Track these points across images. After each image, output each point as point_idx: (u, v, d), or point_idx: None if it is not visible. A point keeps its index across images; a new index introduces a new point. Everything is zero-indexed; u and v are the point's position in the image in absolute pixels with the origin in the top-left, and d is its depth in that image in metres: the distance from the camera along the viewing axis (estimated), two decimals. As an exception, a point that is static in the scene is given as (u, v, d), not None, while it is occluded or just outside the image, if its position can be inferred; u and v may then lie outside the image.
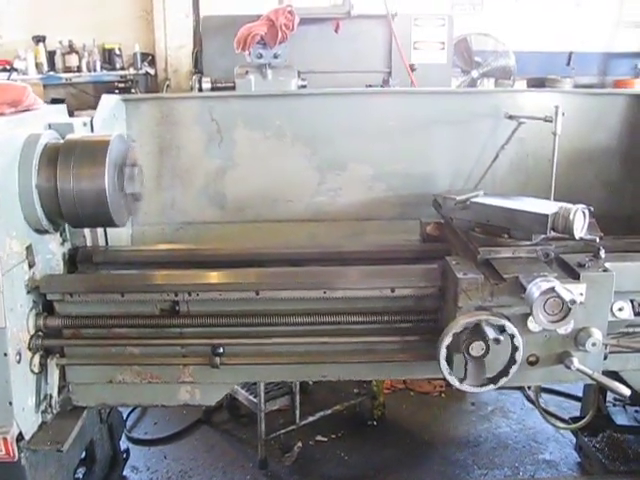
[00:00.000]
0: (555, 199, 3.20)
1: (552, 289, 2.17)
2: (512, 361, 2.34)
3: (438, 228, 3.18)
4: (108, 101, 3.28)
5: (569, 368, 2.41)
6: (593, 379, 2.43)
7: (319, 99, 3.65)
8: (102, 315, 2.65)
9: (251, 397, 3.87)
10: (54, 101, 7.82)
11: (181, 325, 2.65)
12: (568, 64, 9.84)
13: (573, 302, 2.14)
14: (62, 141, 2.62)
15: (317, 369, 2.73)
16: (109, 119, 3.26)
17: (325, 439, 4.16)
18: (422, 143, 3.59)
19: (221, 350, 2.55)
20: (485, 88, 6.68)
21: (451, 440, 4.15)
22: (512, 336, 2.29)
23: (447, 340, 2.30)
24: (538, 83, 8.58)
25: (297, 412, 3.96)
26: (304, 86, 5.15)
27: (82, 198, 2.51)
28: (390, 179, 3.58)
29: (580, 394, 4.06)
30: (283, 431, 3.99)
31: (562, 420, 3.81)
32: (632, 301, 2.64)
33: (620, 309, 2.57)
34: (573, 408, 4.25)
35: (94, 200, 2.52)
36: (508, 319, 2.33)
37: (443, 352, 2.32)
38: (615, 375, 2.74)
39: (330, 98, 3.65)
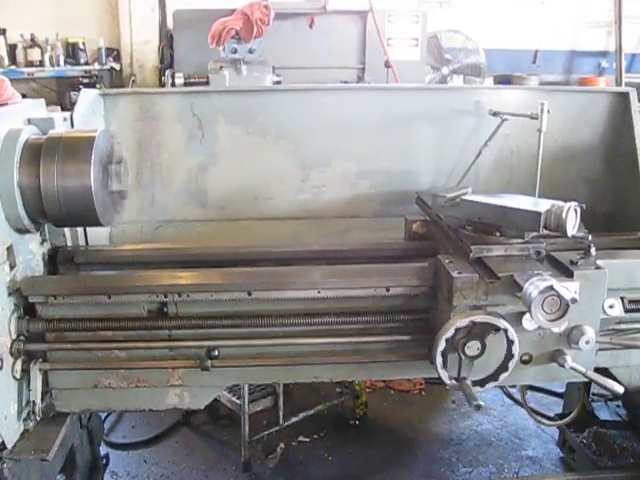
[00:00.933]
0: (539, 196, 3.21)
1: (551, 287, 2.16)
2: (504, 368, 2.34)
3: (424, 226, 3.15)
4: (87, 96, 3.18)
5: (563, 366, 2.42)
6: (587, 377, 2.43)
7: (300, 95, 3.60)
8: (87, 318, 2.56)
9: (234, 399, 3.80)
10: (16, 96, 7.60)
11: (170, 327, 2.57)
12: (534, 62, 9.94)
13: (574, 301, 2.13)
14: (43, 137, 2.52)
15: (309, 370, 2.68)
16: (88, 114, 3.16)
17: (308, 439, 4.12)
18: (404, 140, 3.57)
19: (216, 353, 2.48)
20: (469, 85, 6.69)
21: (434, 438, 4.15)
22: (511, 342, 2.29)
23: (443, 340, 2.27)
24: (504, 80, 8.64)
25: (281, 413, 3.90)
26: (279, 82, 5.11)
27: (67, 197, 2.41)
28: (373, 176, 3.56)
29: (560, 390, 4.08)
30: (266, 432, 3.93)
31: (545, 417, 3.82)
32: (622, 298, 2.66)
33: (611, 306, 2.59)
34: (553, 404, 4.28)
35: (79, 199, 2.42)
36: (503, 317, 2.31)
37: (441, 346, 2.29)
38: (605, 372, 2.76)
39: (310, 94, 3.61)
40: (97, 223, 2.55)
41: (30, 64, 7.92)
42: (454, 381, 2.34)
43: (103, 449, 3.70)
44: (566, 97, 3.64)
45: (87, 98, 3.16)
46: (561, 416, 3.69)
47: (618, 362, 2.75)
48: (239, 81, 4.98)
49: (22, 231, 2.50)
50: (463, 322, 2.25)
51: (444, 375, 2.32)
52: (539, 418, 3.59)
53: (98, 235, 3.26)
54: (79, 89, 6.99)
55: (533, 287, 2.17)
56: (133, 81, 7.97)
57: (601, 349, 2.59)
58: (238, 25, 4.83)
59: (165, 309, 2.58)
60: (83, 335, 2.57)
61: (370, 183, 3.57)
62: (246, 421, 3.72)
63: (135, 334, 2.58)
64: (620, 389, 2.39)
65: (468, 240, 2.57)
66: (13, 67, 7.89)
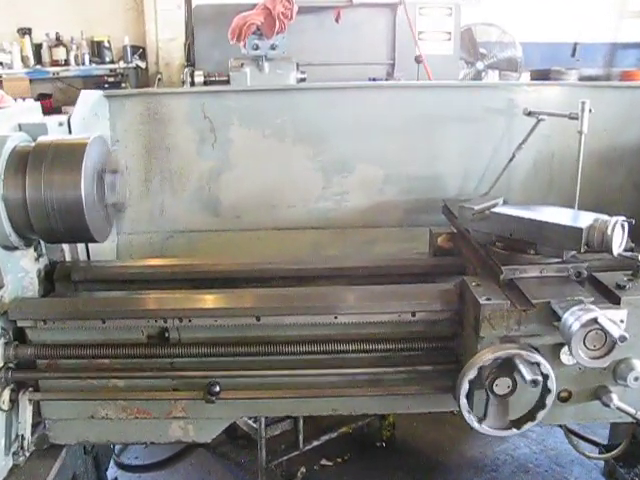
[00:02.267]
0: (582, 203, 2.92)
1: (594, 320, 1.87)
2: (541, 405, 2.06)
3: (450, 239, 2.86)
4: (88, 97, 2.97)
5: (607, 406, 2.12)
6: (636, 419, 2.13)
7: (323, 94, 3.35)
8: (81, 344, 2.34)
9: (250, 422, 3.56)
10: (41, 96, 7.53)
11: (171, 355, 2.34)
12: (573, 55, 9.62)
13: (623, 339, 1.83)
14: (33, 144, 2.30)
15: (326, 403, 2.43)
16: (90, 118, 2.95)
17: (331, 463, 3.85)
18: (432, 142, 3.31)
19: (217, 389, 2.23)
20: (500, 81, 6.37)
21: (467, 463, 3.85)
22: (546, 377, 2.00)
23: (469, 375, 2.00)
24: (542, 75, 8.29)
25: (300, 437, 3.65)
26: (303, 79, 4.89)
27: (56, 210, 2.19)
28: (400, 182, 3.31)
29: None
30: (285, 458, 3.68)
31: (590, 441, 3.49)
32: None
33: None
34: (599, 426, 3.94)
35: (69, 212, 2.20)
36: (538, 351, 2.04)
37: (464, 388, 2.01)
38: None
39: (334, 93, 3.34)
40: (90, 239, 2.34)
41: (55, 63, 7.88)
42: (484, 425, 2.06)
43: (113, 471, 3.51)
44: (611, 93, 3.32)
45: (87, 101, 2.94)
46: (608, 447, 3.36)
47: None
48: (261, 79, 4.77)
49: (10, 248, 2.29)
50: (489, 358, 1.97)
51: (471, 420, 2.04)
52: (582, 449, 3.27)
53: (103, 248, 3.04)
54: (105, 88, 6.88)
55: (574, 318, 1.89)
56: (159, 79, 7.82)
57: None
58: (259, 20, 4.61)
59: (166, 335, 2.35)
60: (77, 363, 2.37)
61: (397, 189, 3.31)
62: (263, 446, 3.47)
63: (134, 362, 2.36)
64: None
65: (498, 259, 2.29)
66: (38, 67, 7.82)
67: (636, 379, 2.04)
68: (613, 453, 3.18)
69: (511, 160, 3.18)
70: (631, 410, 2.11)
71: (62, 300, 2.45)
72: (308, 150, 3.29)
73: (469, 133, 3.28)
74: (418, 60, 5.42)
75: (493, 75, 6.99)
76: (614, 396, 2.11)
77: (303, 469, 3.75)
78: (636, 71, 9.78)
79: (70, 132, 2.73)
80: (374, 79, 5.29)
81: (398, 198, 3.29)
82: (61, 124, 2.69)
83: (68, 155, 2.23)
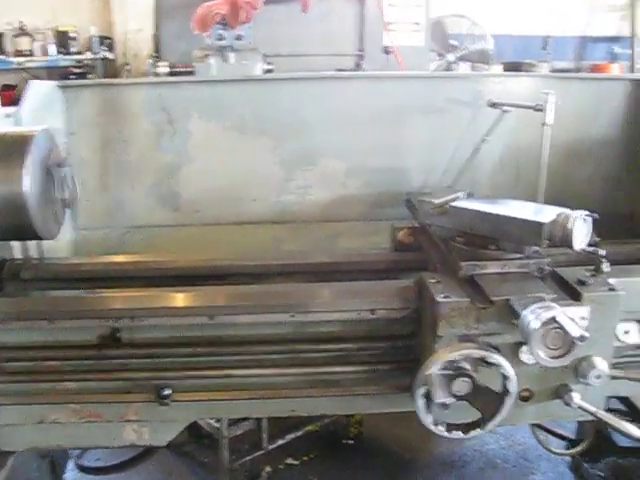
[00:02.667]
0: (549, 196, 2.87)
1: (553, 319, 1.81)
2: (506, 393, 1.98)
3: (411, 234, 2.80)
4: (38, 88, 2.86)
5: (569, 405, 2.07)
6: (598, 418, 2.08)
7: (286, 85, 3.26)
8: (29, 345, 2.23)
9: (212, 421, 3.48)
10: (5, 87, 7.36)
11: (123, 356, 2.24)
12: (544, 48, 9.68)
13: (583, 338, 1.78)
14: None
15: (284, 403, 2.34)
16: (41, 110, 2.84)
17: (297, 462, 3.79)
18: (396, 134, 3.23)
19: (167, 392, 2.15)
20: (468, 72, 6.32)
21: (435, 460, 3.81)
22: (506, 378, 1.95)
23: (424, 380, 1.92)
24: (514, 67, 8.28)
25: (265, 435, 3.58)
26: (270, 70, 4.81)
27: (-4, 206, 2.09)
28: (364, 175, 3.23)
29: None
30: (249, 457, 3.61)
31: (557, 435, 3.46)
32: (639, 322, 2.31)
33: (626, 332, 2.23)
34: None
35: (11, 209, 2.09)
36: (497, 350, 1.98)
37: (420, 394, 1.95)
38: (625, 400, 2.47)
39: (299, 83, 3.26)
40: (35, 236, 2.23)
41: (19, 54, 7.66)
42: (441, 428, 2.00)
43: (72, 474, 3.41)
44: (579, 85, 3.28)
45: (38, 91, 2.83)
46: (575, 442, 3.32)
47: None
48: (227, 70, 4.69)
49: (-51, 247, 2.19)
50: (448, 358, 1.91)
51: (428, 421, 1.98)
52: (548, 445, 3.23)
53: (58, 245, 2.93)
54: (71, 79, 6.71)
55: (533, 317, 1.83)
56: (128, 70, 7.66)
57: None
58: (224, 9, 4.51)
59: (118, 335, 2.26)
60: (25, 365, 2.25)
61: (360, 182, 3.24)
62: (225, 445, 3.39)
63: (85, 364, 2.25)
64: (638, 433, 2.04)
65: (458, 255, 2.22)
66: (2, 57, 7.63)
67: (597, 377, 1.99)
68: (578, 449, 3.16)
69: (476, 153, 3.13)
70: (592, 409, 2.05)
71: (7, 300, 2.34)
72: (270, 143, 3.20)
73: (434, 125, 3.21)
74: (387, 51, 5.35)
75: (465, 67, 6.94)
76: (576, 395, 2.05)
77: (268, 468, 3.69)
78: (606, 64, 9.89)
79: (21, 124, 2.63)
80: (342, 70, 5.20)
81: (361, 191, 3.22)
82: (8, 116, 2.58)
83: (10, 148, 2.12)
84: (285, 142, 3.20)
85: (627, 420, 2.61)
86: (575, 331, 1.77)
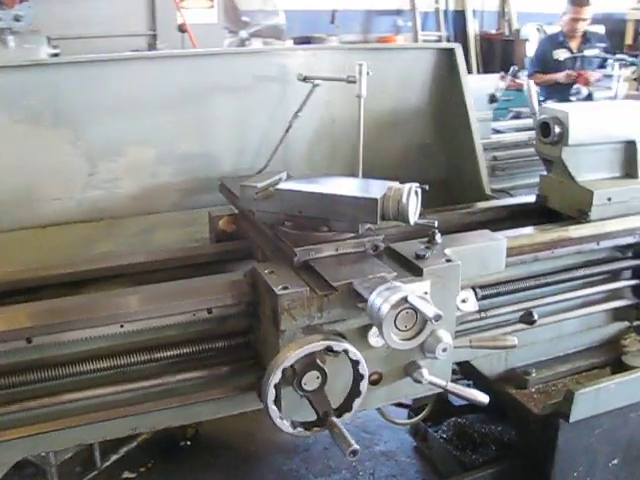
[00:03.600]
0: (366, 168, 2.80)
1: (404, 300, 1.73)
2: (357, 393, 1.91)
3: (233, 221, 2.63)
4: None
5: (419, 382, 2.02)
6: (448, 391, 2.07)
7: (77, 69, 2.88)
8: None
9: (33, 451, 3.09)
10: None
11: None
12: (332, 22, 9.96)
13: (438, 317, 1.71)
14: None
15: (123, 422, 2.08)
16: None
17: (134, 475, 3.50)
18: (204, 116, 3.01)
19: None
20: (271, 46, 6.19)
21: (279, 448, 3.69)
22: (356, 363, 1.85)
23: (275, 380, 1.77)
24: (304, 42, 8.40)
25: (97, 454, 3.26)
26: (56, 54, 4.37)
27: None
28: (174, 162, 2.98)
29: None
30: (84, 480, 3.27)
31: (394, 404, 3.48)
32: (474, 288, 2.34)
33: (464, 301, 2.28)
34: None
35: None
36: (344, 337, 1.88)
37: (271, 394, 1.80)
38: (467, 364, 2.55)
39: (91, 67, 2.88)
40: None
41: None
42: (301, 428, 1.87)
43: None
44: (387, 55, 3.26)
45: None
46: (414, 410, 3.35)
47: (478, 353, 2.47)
48: (6, 55, 4.21)
49: None
50: (293, 357, 1.76)
51: (286, 426, 1.84)
52: (389, 416, 3.22)
53: None
54: None
55: (382, 300, 1.73)
56: None
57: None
58: (-7, -15, 4.00)
59: None
60: None
61: (171, 170, 2.98)
62: (54, 475, 3.03)
63: None
64: (485, 399, 2.04)
65: (289, 240, 2.08)
66: None
67: (444, 350, 1.94)
68: (420, 416, 3.19)
69: (288, 130, 2.99)
70: (442, 382, 2.02)
71: None
72: (69, 134, 2.83)
73: (242, 104, 3.03)
74: (182, 29, 5.09)
75: (257, 43, 6.87)
76: (424, 371, 2.00)
77: (105, 487, 3.38)
78: (391, 36, 10.44)
79: None
80: (136, 51, 4.85)
81: (173, 180, 2.98)
82: None
83: None
84: (86, 132, 2.85)
85: (467, 384, 2.69)
86: (430, 311, 1.70)
